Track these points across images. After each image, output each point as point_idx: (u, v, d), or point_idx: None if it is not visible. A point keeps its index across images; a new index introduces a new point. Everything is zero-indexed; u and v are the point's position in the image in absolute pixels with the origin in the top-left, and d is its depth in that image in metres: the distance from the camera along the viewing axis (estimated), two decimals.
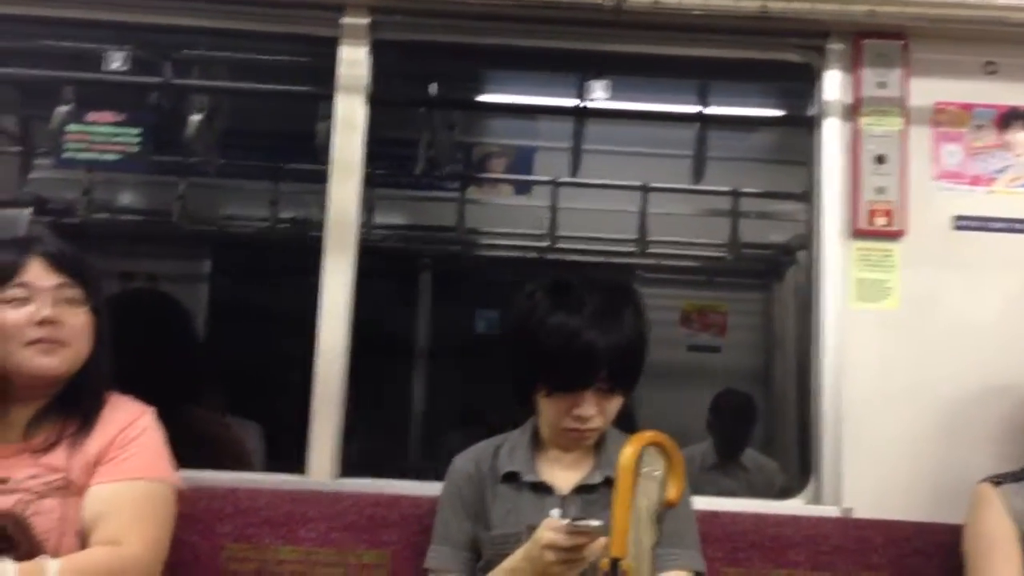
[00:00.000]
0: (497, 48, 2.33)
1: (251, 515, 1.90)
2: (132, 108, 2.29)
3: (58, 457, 1.55)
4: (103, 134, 2.25)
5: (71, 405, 1.59)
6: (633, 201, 3.16)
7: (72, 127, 2.27)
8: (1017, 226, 2.11)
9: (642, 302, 1.68)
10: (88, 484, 1.55)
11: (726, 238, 3.37)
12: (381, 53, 2.22)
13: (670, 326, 3.59)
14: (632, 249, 3.26)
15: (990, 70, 2.17)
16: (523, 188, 3.54)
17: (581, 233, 3.42)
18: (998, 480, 1.80)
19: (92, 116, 2.26)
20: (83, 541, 1.53)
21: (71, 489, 1.54)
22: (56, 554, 1.47)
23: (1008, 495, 1.76)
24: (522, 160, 3.58)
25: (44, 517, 1.51)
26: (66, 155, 2.25)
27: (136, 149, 2.24)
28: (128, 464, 1.57)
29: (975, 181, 2.13)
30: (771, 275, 3.69)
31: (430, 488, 1.92)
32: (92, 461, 1.56)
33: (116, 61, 2.30)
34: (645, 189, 3.14)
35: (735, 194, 3.23)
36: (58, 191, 3.08)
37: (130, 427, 1.60)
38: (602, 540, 1.43)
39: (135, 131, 2.25)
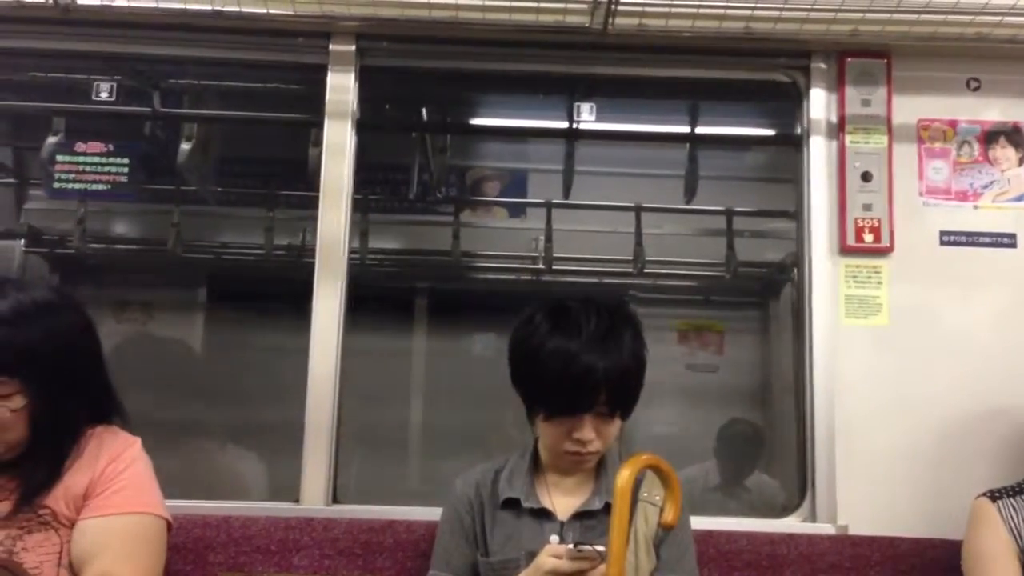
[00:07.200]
0: (485, 72, 2.36)
1: (244, 544, 1.89)
2: (122, 138, 2.30)
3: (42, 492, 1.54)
4: (91, 164, 2.27)
5: (29, 471, 1.54)
6: (628, 222, 3.16)
7: (62, 157, 2.28)
8: (1003, 240, 2.13)
9: (640, 324, 1.65)
10: (76, 518, 1.54)
11: (721, 257, 3.37)
12: (370, 79, 2.24)
13: (668, 345, 3.58)
14: (628, 270, 3.26)
15: (973, 87, 2.19)
16: (517, 211, 3.54)
17: (576, 255, 3.42)
18: (996, 495, 1.79)
19: (80, 146, 2.28)
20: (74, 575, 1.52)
21: (59, 522, 1.53)
22: None
23: (1006, 510, 1.76)
24: (516, 183, 3.59)
25: (32, 553, 1.50)
26: (56, 185, 2.27)
27: (124, 179, 2.26)
28: (117, 498, 1.55)
29: (961, 197, 2.15)
30: (767, 293, 3.68)
31: (424, 513, 1.92)
32: (80, 495, 1.54)
33: (104, 91, 2.32)
34: (638, 210, 3.14)
35: (728, 213, 3.23)
36: (54, 222, 3.08)
37: (117, 460, 1.58)
38: (604, 567, 1.41)
39: (123, 160, 2.27)
